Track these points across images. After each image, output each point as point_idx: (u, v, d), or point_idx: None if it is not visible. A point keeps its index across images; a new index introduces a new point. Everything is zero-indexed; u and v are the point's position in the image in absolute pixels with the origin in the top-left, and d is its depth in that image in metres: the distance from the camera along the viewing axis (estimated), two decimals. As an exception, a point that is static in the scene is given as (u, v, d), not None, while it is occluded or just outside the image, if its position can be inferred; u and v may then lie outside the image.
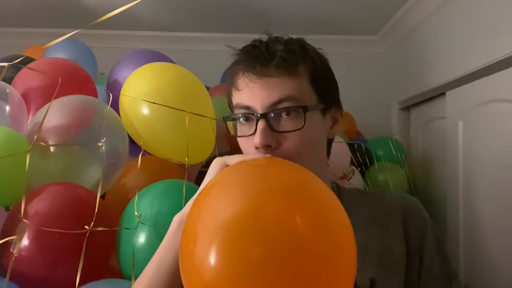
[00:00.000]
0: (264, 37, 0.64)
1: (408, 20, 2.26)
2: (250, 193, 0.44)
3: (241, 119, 0.63)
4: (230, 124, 0.67)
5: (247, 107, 0.61)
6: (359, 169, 2.02)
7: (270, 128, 0.59)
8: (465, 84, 1.75)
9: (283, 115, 0.60)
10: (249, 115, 0.61)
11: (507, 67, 1.46)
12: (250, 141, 0.61)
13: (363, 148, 2.10)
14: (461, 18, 1.74)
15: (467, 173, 1.74)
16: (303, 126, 0.59)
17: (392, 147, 2.15)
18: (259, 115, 0.59)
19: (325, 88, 0.64)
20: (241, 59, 0.63)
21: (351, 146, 1.99)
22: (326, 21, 2.39)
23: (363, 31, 2.60)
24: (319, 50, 0.66)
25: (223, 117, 0.67)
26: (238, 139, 0.65)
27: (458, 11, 1.78)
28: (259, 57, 0.60)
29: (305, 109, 0.59)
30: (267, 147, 0.59)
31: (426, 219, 0.68)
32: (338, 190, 0.72)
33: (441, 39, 1.94)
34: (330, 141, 0.69)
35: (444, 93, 1.96)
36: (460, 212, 1.76)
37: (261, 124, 0.59)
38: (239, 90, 0.62)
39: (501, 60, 1.45)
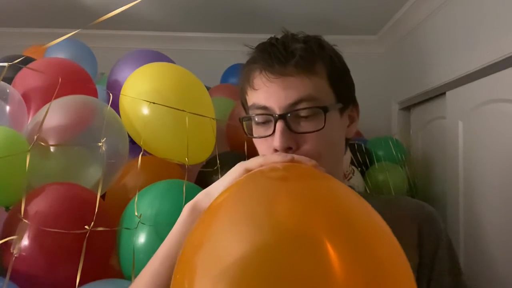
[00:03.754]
0: (281, 35, 0.62)
1: (408, 20, 2.26)
2: (264, 229, 0.35)
3: (257, 120, 0.61)
4: (245, 124, 0.64)
5: (264, 108, 0.59)
6: (359, 169, 2.02)
7: (289, 129, 0.57)
8: (465, 84, 1.75)
9: (302, 115, 0.58)
10: (267, 116, 0.59)
11: (507, 67, 1.46)
12: (268, 142, 0.59)
13: (363, 148, 2.10)
14: (461, 18, 1.74)
15: (467, 173, 1.74)
16: (323, 127, 0.57)
17: (392, 147, 2.15)
18: (277, 116, 0.57)
19: (342, 86, 0.62)
20: (257, 58, 0.61)
21: (351, 146, 1.99)
22: (326, 21, 2.39)
23: (363, 31, 2.60)
24: (334, 47, 0.65)
25: (239, 118, 0.64)
26: (254, 140, 0.63)
27: (458, 11, 1.78)
28: (277, 56, 0.57)
29: (325, 109, 0.57)
30: (287, 149, 0.57)
31: (441, 231, 0.66)
32: None
33: (441, 39, 1.94)
34: (347, 140, 0.67)
35: (444, 93, 1.96)
36: (460, 212, 1.76)
37: (279, 125, 0.57)
38: (255, 89, 0.60)
39: (501, 60, 1.45)
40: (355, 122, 0.67)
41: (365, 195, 0.71)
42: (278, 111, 0.57)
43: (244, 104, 0.66)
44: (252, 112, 0.61)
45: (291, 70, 0.57)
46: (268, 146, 0.59)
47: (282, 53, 0.57)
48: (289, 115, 0.57)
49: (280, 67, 0.57)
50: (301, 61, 0.57)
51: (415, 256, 0.63)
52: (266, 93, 0.58)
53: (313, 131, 0.57)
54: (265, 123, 0.60)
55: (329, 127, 0.58)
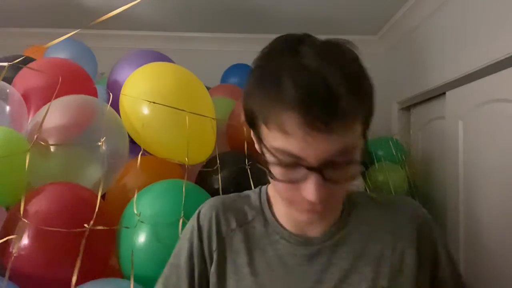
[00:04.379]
0: (314, 63, 0.50)
1: (408, 20, 2.26)
2: None
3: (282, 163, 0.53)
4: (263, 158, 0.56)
5: (297, 157, 0.51)
6: (359, 169, 2.02)
7: (324, 179, 0.51)
8: (465, 84, 1.75)
9: (340, 167, 0.52)
10: (298, 164, 0.51)
11: (507, 67, 1.46)
12: (295, 186, 0.53)
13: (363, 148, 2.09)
14: (461, 18, 1.74)
15: (467, 173, 1.73)
16: (359, 175, 0.55)
17: (392, 147, 2.15)
18: (313, 167, 0.51)
19: (372, 115, 0.57)
20: (293, 100, 0.48)
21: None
22: (326, 21, 2.39)
23: (363, 31, 2.60)
24: (355, 56, 0.56)
25: (260, 161, 0.56)
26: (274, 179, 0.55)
27: (458, 11, 1.78)
28: (322, 110, 0.48)
29: (365, 164, 0.54)
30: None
31: (435, 227, 0.68)
32: (349, 194, 0.68)
33: (441, 39, 1.94)
34: None
35: (444, 93, 1.96)
36: (460, 212, 1.76)
37: (315, 178, 0.51)
38: (287, 134, 0.50)
39: (501, 60, 1.45)
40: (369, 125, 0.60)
41: (365, 196, 0.72)
42: (315, 163, 0.50)
43: (255, 130, 0.56)
44: (278, 155, 0.52)
45: (337, 128, 0.49)
46: (295, 191, 0.53)
47: (328, 108, 0.48)
48: (326, 168, 0.51)
49: (325, 126, 0.48)
50: (348, 115, 0.49)
51: (415, 251, 0.64)
52: (302, 144, 0.50)
53: (349, 181, 0.54)
54: (295, 165, 0.52)
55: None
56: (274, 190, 0.66)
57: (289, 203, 0.57)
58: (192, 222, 0.68)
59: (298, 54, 0.51)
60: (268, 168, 0.54)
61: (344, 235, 0.65)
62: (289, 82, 0.49)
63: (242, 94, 0.59)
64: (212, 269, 0.65)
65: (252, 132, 0.59)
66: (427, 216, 0.69)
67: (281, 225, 0.65)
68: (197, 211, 0.70)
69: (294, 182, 0.53)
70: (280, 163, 0.52)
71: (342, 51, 0.54)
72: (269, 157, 0.53)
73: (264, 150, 0.55)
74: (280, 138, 0.51)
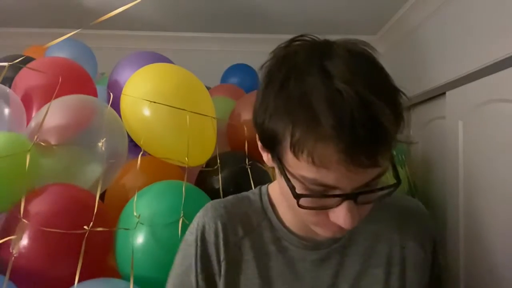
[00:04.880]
0: (351, 88, 0.43)
1: (408, 20, 2.26)
2: None
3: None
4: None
5: (332, 187, 0.47)
6: (359, 169, 2.02)
7: (356, 203, 0.49)
8: (465, 84, 1.75)
9: (373, 191, 0.49)
10: (331, 195, 0.48)
11: (507, 67, 1.46)
12: (324, 212, 0.50)
13: (363, 148, 2.10)
14: (461, 18, 1.74)
15: (467, 173, 1.73)
16: (389, 195, 0.51)
17: (392, 147, 2.15)
18: (348, 195, 0.47)
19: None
20: (330, 129, 0.43)
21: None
22: (326, 21, 2.39)
23: (363, 31, 2.60)
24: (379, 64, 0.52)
25: (294, 194, 0.48)
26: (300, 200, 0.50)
27: (458, 11, 1.78)
28: (366, 143, 0.43)
29: (397, 185, 0.51)
30: None
31: (433, 225, 0.69)
32: None
33: (441, 39, 1.94)
34: None
35: (444, 93, 1.95)
36: (460, 212, 1.76)
37: (348, 205, 0.48)
38: (325, 168, 0.45)
39: (501, 60, 1.45)
40: None
41: None
42: (349, 190, 0.47)
43: (275, 153, 0.51)
44: (307, 184, 0.48)
45: (380, 160, 0.45)
46: (322, 214, 0.51)
47: (372, 139, 0.43)
48: (360, 195, 0.48)
49: (369, 159, 0.44)
50: (386, 152, 0.46)
51: (421, 251, 0.64)
52: (339, 176, 0.46)
53: (377, 200, 0.51)
54: (328, 194, 0.48)
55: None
56: (281, 199, 0.62)
57: (314, 225, 0.54)
58: (195, 234, 0.63)
59: (328, 73, 0.45)
60: (298, 197, 0.49)
61: (353, 236, 0.63)
62: (325, 110, 0.43)
63: (256, 107, 0.52)
64: (221, 281, 0.61)
65: (267, 155, 0.54)
66: (428, 215, 0.69)
67: (287, 229, 0.63)
68: (197, 223, 0.64)
69: (325, 208, 0.49)
70: (311, 193, 0.48)
71: (371, 64, 0.50)
72: (295, 183, 0.49)
73: (289, 176, 0.49)
74: (313, 170, 0.46)
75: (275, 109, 0.47)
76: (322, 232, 0.54)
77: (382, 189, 0.49)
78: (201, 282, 0.62)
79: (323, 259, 0.62)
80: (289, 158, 0.48)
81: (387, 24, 2.48)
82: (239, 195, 0.69)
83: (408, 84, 2.29)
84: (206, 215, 0.64)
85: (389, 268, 0.62)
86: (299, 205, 0.49)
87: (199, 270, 0.62)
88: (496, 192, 1.53)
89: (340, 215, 0.48)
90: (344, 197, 0.47)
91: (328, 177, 0.46)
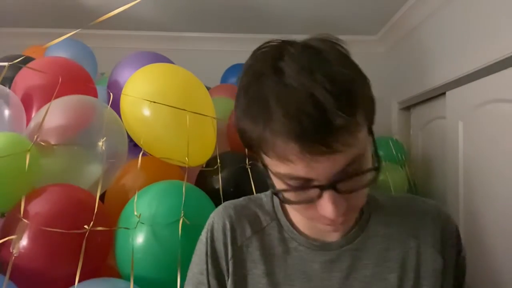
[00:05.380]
0: (299, 81, 0.46)
1: (408, 20, 2.26)
2: None
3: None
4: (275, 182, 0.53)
5: (305, 179, 0.48)
6: (359, 169, 2.02)
7: (338, 192, 0.49)
8: (465, 84, 1.75)
9: (352, 176, 0.49)
10: (309, 187, 0.49)
11: (507, 67, 1.46)
12: (312, 205, 0.51)
13: (363, 148, 2.10)
14: (461, 18, 1.74)
15: (467, 173, 1.73)
16: (375, 181, 0.51)
17: (392, 147, 2.15)
18: (325, 185, 0.48)
19: (374, 112, 0.54)
20: (287, 129, 0.45)
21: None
22: (326, 21, 2.39)
23: (363, 31, 2.60)
24: (349, 57, 0.52)
25: (272, 192, 0.55)
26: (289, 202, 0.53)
27: (458, 11, 1.78)
28: (320, 135, 0.45)
29: (376, 169, 0.51)
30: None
31: (458, 231, 0.65)
32: (368, 197, 0.63)
33: (441, 39, 1.94)
34: None
35: (444, 93, 1.96)
36: (460, 212, 1.76)
37: (329, 195, 0.48)
38: (290, 161, 0.47)
39: (501, 60, 1.45)
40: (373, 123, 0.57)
41: (386, 196, 0.68)
42: (325, 181, 0.48)
43: (254, 154, 0.53)
44: (286, 181, 0.50)
45: (340, 146, 0.46)
46: (313, 211, 0.51)
47: (324, 128, 0.45)
48: (338, 183, 0.48)
49: (327, 147, 0.45)
50: (348, 130, 0.46)
51: (439, 256, 0.61)
52: (308, 168, 0.47)
53: (364, 187, 0.51)
54: (306, 187, 0.50)
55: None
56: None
57: (311, 220, 0.55)
58: (206, 234, 0.65)
59: (280, 73, 0.48)
60: (278, 192, 0.51)
61: (365, 239, 0.62)
62: (277, 108, 0.46)
63: (234, 113, 0.55)
64: (229, 280, 0.62)
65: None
66: (451, 220, 0.65)
67: (297, 230, 0.63)
68: (208, 223, 0.66)
69: (308, 202, 0.50)
70: (290, 188, 0.50)
71: (324, 57, 0.49)
72: (276, 182, 0.51)
73: (271, 174, 0.52)
74: (283, 166, 0.48)
75: (241, 113, 0.51)
76: (323, 227, 0.55)
77: (358, 174, 0.49)
78: (212, 281, 0.63)
79: (333, 260, 0.61)
80: (264, 157, 0.51)
81: (387, 24, 2.48)
82: (252, 196, 0.69)
83: (408, 84, 2.31)
84: (216, 215, 0.66)
85: (403, 274, 0.60)
86: (282, 201, 0.51)
87: (209, 268, 0.63)
88: (496, 192, 1.53)
89: (325, 207, 0.49)
90: (321, 187, 0.48)
91: (297, 169, 0.47)
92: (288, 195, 0.51)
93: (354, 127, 0.47)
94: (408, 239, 0.62)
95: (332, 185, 0.48)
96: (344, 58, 0.51)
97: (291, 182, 0.49)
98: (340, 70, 0.48)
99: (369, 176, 0.51)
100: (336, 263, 0.60)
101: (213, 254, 0.63)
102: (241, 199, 0.69)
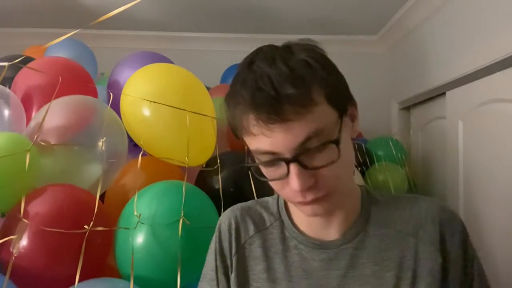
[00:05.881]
0: (261, 68, 0.54)
1: (408, 20, 2.26)
2: None
3: (265, 162, 0.56)
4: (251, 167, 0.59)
5: (271, 153, 0.54)
6: (359, 169, 2.02)
7: (304, 167, 0.53)
8: (465, 84, 1.75)
9: (315, 151, 0.53)
10: (277, 160, 0.54)
11: (507, 67, 1.46)
12: (283, 182, 0.55)
13: (363, 148, 2.10)
14: (461, 19, 1.74)
15: (467, 173, 1.74)
16: (338, 158, 0.53)
17: (392, 147, 2.15)
18: (288, 159, 0.53)
19: (341, 97, 0.57)
20: (247, 102, 0.53)
21: (351, 146, 1.98)
22: (326, 21, 2.39)
23: (363, 31, 2.60)
24: (312, 47, 0.58)
25: (246, 166, 0.60)
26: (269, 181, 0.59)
27: (458, 12, 1.78)
28: (271, 103, 0.51)
29: (336, 141, 0.53)
30: (307, 188, 0.54)
31: (463, 228, 0.64)
32: (368, 196, 0.67)
33: (441, 39, 1.94)
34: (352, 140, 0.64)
35: (444, 93, 1.96)
36: (460, 212, 1.76)
37: (294, 168, 0.53)
38: (254, 135, 0.54)
39: (501, 60, 1.45)
40: (357, 119, 0.62)
41: (386, 196, 0.69)
42: (288, 154, 0.53)
43: (238, 139, 0.60)
44: (258, 157, 0.56)
45: (289, 114, 0.51)
46: (285, 186, 0.56)
47: (275, 99, 0.51)
48: (300, 155, 0.53)
49: (278, 115, 0.51)
50: (298, 102, 0.51)
51: (438, 256, 0.61)
52: (269, 139, 0.53)
53: (329, 164, 0.54)
54: (274, 161, 0.55)
55: (342, 150, 0.54)
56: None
57: (288, 199, 0.59)
58: (215, 233, 0.71)
59: (251, 65, 0.55)
60: (259, 172, 0.58)
61: (363, 238, 0.63)
62: (241, 89, 0.54)
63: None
64: (232, 276, 0.66)
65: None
66: (452, 214, 0.65)
67: (298, 229, 0.66)
68: (218, 223, 0.72)
69: (281, 178, 0.55)
70: (262, 163, 0.56)
71: (290, 50, 0.56)
72: (255, 160, 0.57)
73: (249, 154, 0.58)
74: (251, 141, 0.55)
75: (225, 107, 0.59)
76: (304, 210, 0.59)
77: (319, 149, 0.53)
78: (220, 276, 0.68)
79: (332, 258, 0.62)
80: (244, 139, 0.58)
81: (387, 24, 2.48)
82: (259, 199, 0.74)
83: (408, 84, 2.31)
84: (224, 216, 0.71)
85: (401, 273, 0.61)
86: (258, 177, 0.58)
87: (218, 264, 0.68)
88: (496, 192, 1.53)
89: (291, 180, 0.53)
90: (286, 160, 0.53)
91: (262, 143, 0.54)
92: (265, 173, 0.57)
93: (306, 101, 0.52)
94: (406, 238, 0.63)
95: (295, 159, 0.52)
96: (311, 51, 0.57)
97: (262, 157, 0.55)
98: (300, 57, 0.54)
99: (331, 152, 0.54)
100: (335, 261, 0.62)
101: (220, 252, 0.68)
102: (249, 201, 0.74)
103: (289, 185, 0.54)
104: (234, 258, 0.67)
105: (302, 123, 0.51)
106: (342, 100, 0.57)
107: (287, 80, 0.51)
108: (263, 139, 0.53)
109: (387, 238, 0.63)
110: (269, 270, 0.64)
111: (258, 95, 0.52)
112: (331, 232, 0.64)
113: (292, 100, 0.51)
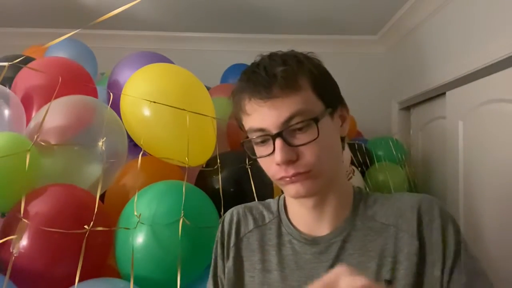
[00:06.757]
0: (260, 59, 0.67)
1: (408, 20, 2.26)
2: None
3: (257, 141, 0.65)
4: (246, 146, 0.68)
5: (261, 129, 0.64)
6: (359, 169, 2.02)
7: (287, 144, 0.62)
8: (465, 84, 1.75)
9: (297, 130, 0.62)
10: (265, 136, 0.64)
11: (506, 67, 1.46)
12: (270, 159, 0.64)
13: (363, 148, 2.10)
14: (461, 19, 1.74)
15: (467, 173, 1.74)
16: (317, 136, 0.62)
17: (392, 147, 2.15)
18: (274, 134, 0.62)
19: (327, 92, 0.66)
20: (244, 86, 0.65)
21: (351, 146, 1.99)
22: (326, 21, 2.39)
23: (363, 31, 2.60)
24: (310, 55, 0.69)
25: (241, 143, 0.68)
26: (259, 159, 0.67)
27: (458, 12, 1.78)
28: (261, 82, 0.62)
29: (316, 119, 0.62)
30: (288, 162, 0.62)
31: (444, 216, 0.67)
32: (360, 195, 0.73)
33: (441, 39, 1.94)
34: (342, 139, 0.72)
35: (444, 93, 1.96)
36: (460, 212, 1.76)
37: (278, 142, 0.62)
38: (248, 114, 0.65)
39: (501, 60, 1.45)
40: (347, 120, 0.71)
41: (377, 195, 0.73)
42: (274, 130, 0.62)
43: (241, 128, 0.71)
44: (251, 135, 0.66)
45: (277, 92, 0.61)
46: (272, 163, 0.64)
47: (265, 78, 0.62)
48: (284, 131, 0.62)
49: (266, 91, 0.62)
50: (283, 81, 0.61)
51: (415, 240, 0.65)
52: (259, 116, 0.63)
53: (309, 142, 0.62)
54: (264, 142, 0.64)
55: (323, 134, 0.62)
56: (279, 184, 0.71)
57: (274, 179, 0.66)
58: (220, 227, 0.78)
59: (255, 63, 0.67)
60: (252, 152, 0.67)
61: (351, 232, 0.68)
62: (242, 76, 0.67)
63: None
64: (229, 264, 0.73)
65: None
66: (435, 207, 0.67)
67: (294, 226, 0.72)
68: (222, 217, 0.79)
69: (269, 155, 0.63)
70: (255, 143, 0.65)
71: (290, 52, 0.68)
72: (249, 142, 0.66)
73: (245, 135, 0.68)
74: (247, 120, 0.65)
75: (231, 95, 0.70)
76: (288, 189, 0.65)
77: (300, 128, 0.62)
78: (219, 262, 0.76)
79: (322, 252, 0.68)
80: (243, 122, 0.67)
81: (387, 24, 2.48)
82: (262, 201, 0.81)
83: (408, 84, 2.31)
84: (229, 212, 0.79)
85: (381, 261, 0.65)
86: (249, 154, 0.67)
87: (219, 252, 0.76)
88: (495, 191, 1.53)
89: (275, 154, 0.62)
90: (272, 136, 0.62)
91: (253, 120, 0.64)
92: (257, 152, 0.66)
93: (292, 82, 0.62)
94: (388, 229, 0.68)
95: (279, 134, 0.62)
96: (308, 56, 0.68)
97: (254, 136, 0.65)
98: (294, 54, 0.66)
99: (312, 131, 0.62)
100: (325, 254, 0.68)
101: (222, 241, 0.76)
102: (253, 202, 0.81)
103: (274, 160, 0.62)
104: (233, 248, 0.74)
105: (286, 101, 0.61)
106: (328, 95, 0.66)
107: (278, 65, 0.63)
108: (255, 117, 0.63)
109: (371, 230, 0.68)
110: (264, 261, 0.71)
111: (252, 77, 0.64)
112: (323, 228, 0.70)
113: (279, 80, 0.61)
